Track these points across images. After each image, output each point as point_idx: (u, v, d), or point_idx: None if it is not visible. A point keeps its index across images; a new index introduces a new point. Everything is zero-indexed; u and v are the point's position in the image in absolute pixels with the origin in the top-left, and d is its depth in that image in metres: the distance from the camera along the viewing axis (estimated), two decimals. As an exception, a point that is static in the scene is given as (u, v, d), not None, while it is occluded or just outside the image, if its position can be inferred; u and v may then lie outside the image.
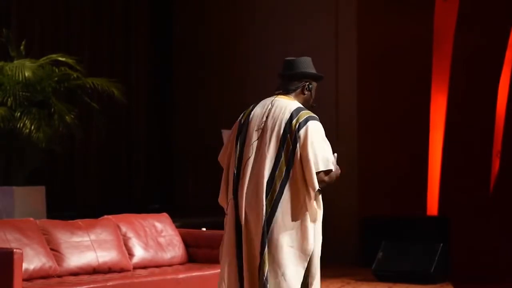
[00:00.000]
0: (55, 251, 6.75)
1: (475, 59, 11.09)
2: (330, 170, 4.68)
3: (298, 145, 4.67)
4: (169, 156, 13.85)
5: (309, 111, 4.83)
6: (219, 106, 13.00)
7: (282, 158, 4.69)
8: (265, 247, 4.64)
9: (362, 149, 11.87)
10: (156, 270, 7.25)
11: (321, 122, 4.85)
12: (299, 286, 4.66)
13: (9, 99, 9.69)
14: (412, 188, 11.44)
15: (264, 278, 4.62)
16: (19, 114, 9.68)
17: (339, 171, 4.79)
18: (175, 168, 13.73)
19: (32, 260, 6.48)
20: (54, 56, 10.29)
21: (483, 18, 11.07)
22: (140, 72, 13.67)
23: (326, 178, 4.67)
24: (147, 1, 13.84)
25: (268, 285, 4.62)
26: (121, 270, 7.07)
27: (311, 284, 4.71)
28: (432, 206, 11.38)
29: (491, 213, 10.88)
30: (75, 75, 10.23)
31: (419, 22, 11.46)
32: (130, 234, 7.39)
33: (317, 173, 4.65)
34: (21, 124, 9.60)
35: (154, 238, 7.52)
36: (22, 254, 6.09)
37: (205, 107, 13.40)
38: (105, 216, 7.47)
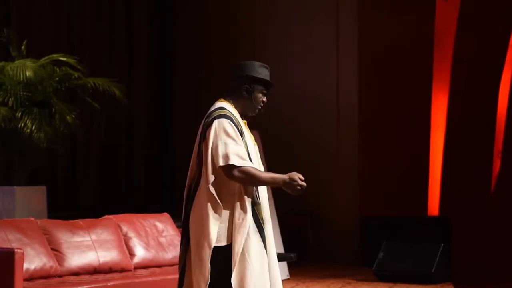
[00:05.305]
0: (56, 251, 6.75)
1: (476, 59, 11.08)
2: (233, 165, 4.59)
3: (203, 144, 4.74)
4: (169, 155, 13.85)
5: (221, 111, 4.85)
6: (219, 106, 12.96)
7: (197, 159, 4.77)
8: (184, 244, 4.72)
9: (362, 149, 11.87)
10: (157, 270, 7.26)
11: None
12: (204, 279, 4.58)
13: (10, 99, 9.67)
14: (412, 188, 11.43)
15: (180, 271, 4.71)
16: (20, 114, 9.66)
17: (259, 173, 4.63)
18: (175, 168, 13.73)
19: (33, 260, 6.49)
20: (55, 56, 10.27)
21: (484, 19, 11.06)
22: (140, 72, 13.67)
23: (236, 173, 4.60)
24: (147, 1, 13.84)
25: (185, 279, 4.67)
26: (122, 270, 7.08)
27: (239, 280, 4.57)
28: (433, 206, 11.36)
29: (491, 213, 10.88)
30: (76, 75, 10.21)
31: (420, 22, 11.45)
32: (131, 234, 7.39)
33: (223, 168, 4.60)
34: (22, 124, 9.59)
35: (155, 238, 7.52)
36: (23, 254, 6.10)
37: (205, 107, 13.37)
38: (106, 216, 7.47)
